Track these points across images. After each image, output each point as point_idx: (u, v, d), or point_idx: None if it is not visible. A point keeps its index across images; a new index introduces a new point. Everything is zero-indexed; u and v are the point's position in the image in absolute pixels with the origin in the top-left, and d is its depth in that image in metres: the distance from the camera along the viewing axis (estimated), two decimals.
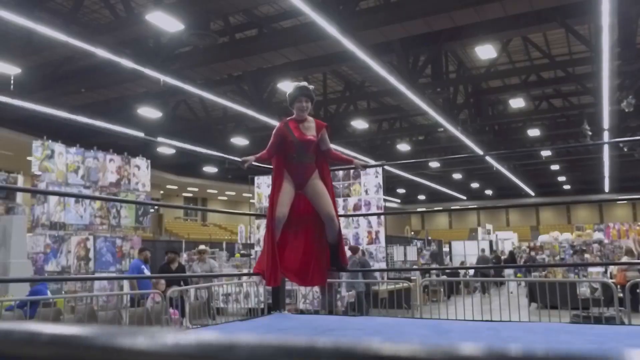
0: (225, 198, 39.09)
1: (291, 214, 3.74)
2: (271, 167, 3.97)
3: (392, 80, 13.16)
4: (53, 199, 8.33)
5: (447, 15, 10.51)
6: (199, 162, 28.49)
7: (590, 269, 10.66)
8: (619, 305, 5.02)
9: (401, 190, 39.56)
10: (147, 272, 7.14)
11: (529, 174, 32.03)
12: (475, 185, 36.86)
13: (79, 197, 8.41)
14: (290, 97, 3.82)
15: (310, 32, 10.99)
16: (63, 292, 8.11)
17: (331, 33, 10.33)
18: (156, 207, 35.28)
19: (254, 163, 3.83)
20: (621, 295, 6.59)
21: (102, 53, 11.36)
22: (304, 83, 3.87)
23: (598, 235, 12.55)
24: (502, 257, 19.41)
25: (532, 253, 12.77)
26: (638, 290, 9.10)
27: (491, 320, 4.14)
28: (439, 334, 3.07)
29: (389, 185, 36.31)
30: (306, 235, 3.83)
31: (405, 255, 12.36)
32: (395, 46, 13.25)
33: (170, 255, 8.09)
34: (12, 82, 13.35)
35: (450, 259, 19.47)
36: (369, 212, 9.43)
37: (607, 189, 33.01)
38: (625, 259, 10.49)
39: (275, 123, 17.99)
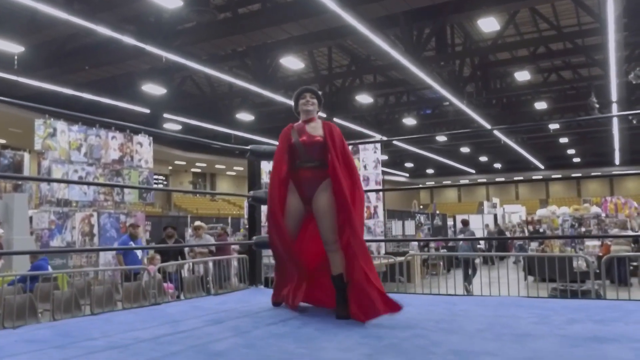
0: (233, 173, 39.30)
1: (305, 237, 3.22)
2: None
3: (395, 54, 13.05)
4: (57, 176, 8.47)
5: None
6: (207, 138, 28.63)
7: (587, 242, 10.71)
8: (605, 279, 5.09)
9: (409, 165, 39.49)
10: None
11: (538, 147, 31.82)
12: (483, 158, 36.72)
13: (79, 183, 8.56)
14: (294, 99, 3.33)
15: (312, 6, 10.89)
16: (72, 267, 8.34)
17: (331, 7, 10.23)
18: (164, 183, 35.67)
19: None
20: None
21: (103, 30, 11.37)
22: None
23: (596, 209, 12.52)
24: (518, 230, 19.25)
25: (530, 227, 12.77)
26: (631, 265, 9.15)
27: (450, 295, 4.24)
28: None
29: (397, 159, 36.20)
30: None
31: (403, 229, 12.43)
32: (399, 19, 13.10)
33: (169, 231, 8.24)
34: (16, 60, 13.43)
35: (455, 233, 19.52)
36: (368, 187, 9.48)
37: (617, 161, 32.73)
38: (615, 231, 10.48)
39: (279, 98, 17.88)
